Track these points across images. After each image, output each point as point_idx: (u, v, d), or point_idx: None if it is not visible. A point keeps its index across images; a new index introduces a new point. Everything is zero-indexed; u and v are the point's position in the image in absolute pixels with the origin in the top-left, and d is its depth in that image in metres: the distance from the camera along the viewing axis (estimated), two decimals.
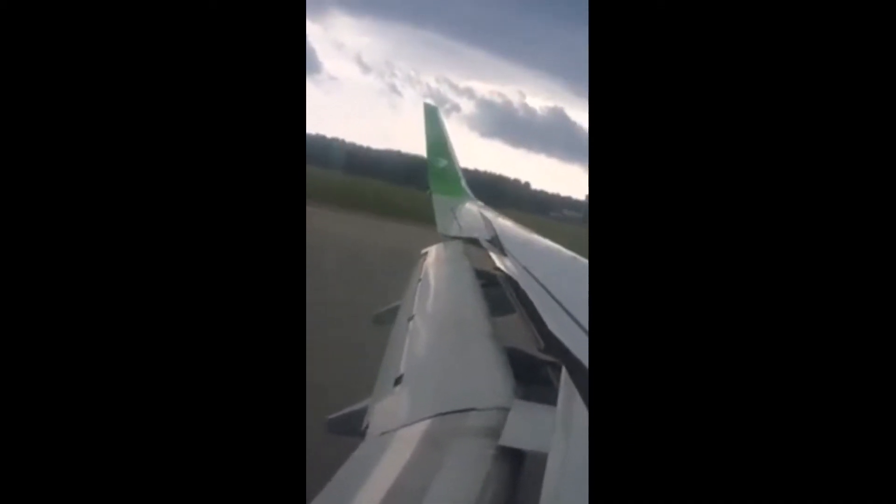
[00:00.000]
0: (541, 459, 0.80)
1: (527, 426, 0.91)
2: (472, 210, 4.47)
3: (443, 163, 5.37)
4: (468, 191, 5.32)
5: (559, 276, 2.23)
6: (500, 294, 2.00)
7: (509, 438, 0.87)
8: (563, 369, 1.09)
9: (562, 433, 0.87)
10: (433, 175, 5.22)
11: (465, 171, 5.71)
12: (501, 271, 2.17)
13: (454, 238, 3.30)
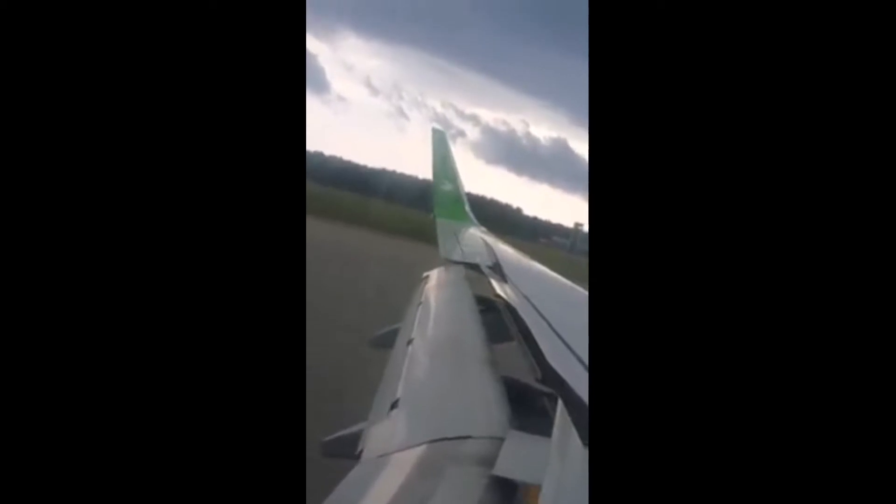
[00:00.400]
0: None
1: (521, 457, 0.91)
2: (475, 235, 4.49)
3: (448, 187, 5.41)
4: (472, 216, 5.35)
5: (559, 306, 2.23)
6: (499, 321, 2.00)
7: (503, 468, 0.87)
8: (560, 401, 1.09)
9: (556, 466, 0.87)
10: (438, 199, 5.25)
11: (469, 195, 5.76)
12: (501, 298, 2.17)
13: (456, 263, 3.31)
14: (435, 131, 5.76)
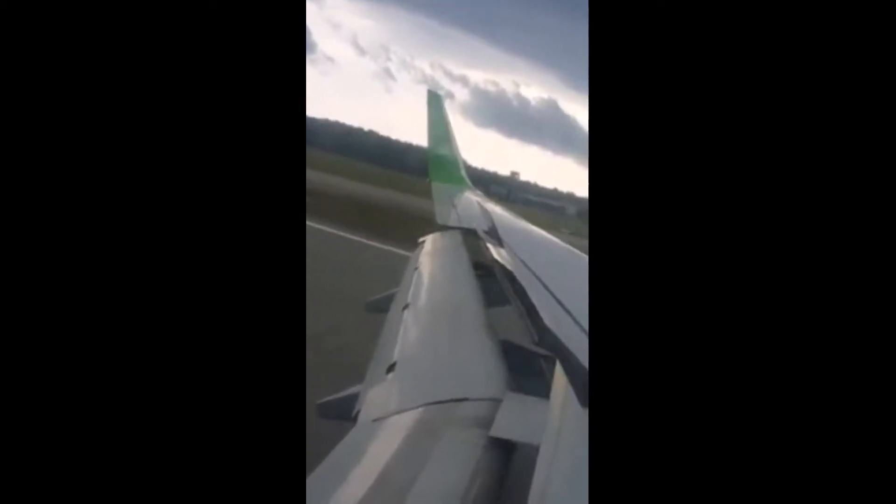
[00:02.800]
0: (532, 451, 0.80)
1: (518, 418, 0.91)
2: (471, 200, 4.46)
3: (443, 150, 5.34)
4: (467, 180, 5.30)
5: (556, 269, 2.22)
6: (496, 285, 2.00)
7: (500, 429, 0.87)
8: (557, 363, 1.09)
9: (553, 426, 0.87)
10: (433, 163, 5.19)
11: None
12: (498, 263, 2.16)
13: (452, 228, 3.29)
14: (430, 93, 5.65)
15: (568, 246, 2.73)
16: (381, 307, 2.01)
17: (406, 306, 1.73)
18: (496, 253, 2.33)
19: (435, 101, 5.60)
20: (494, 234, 2.86)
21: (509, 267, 2.02)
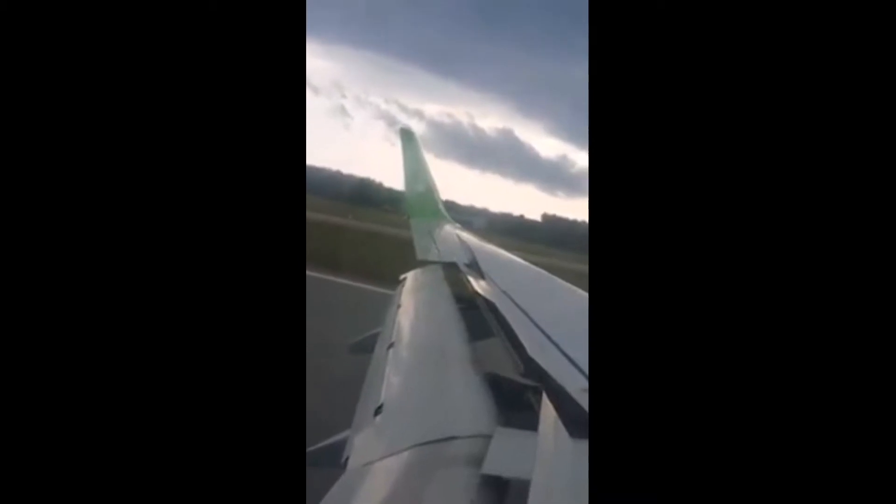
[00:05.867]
0: (525, 486, 0.80)
1: (509, 453, 0.91)
2: (450, 233, 4.48)
3: (420, 186, 5.39)
4: (446, 214, 5.34)
5: (537, 298, 2.24)
6: (479, 318, 2.00)
7: (492, 466, 0.86)
8: (544, 394, 1.09)
9: (543, 459, 0.86)
10: (411, 199, 5.23)
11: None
12: (480, 295, 2.17)
13: (433, 262, 3.30)
14: (403, 131, 5.73)
15: (549, 274, 2.75)
16: (365, 347, 2.00)
17: (390, 345, 1.73)
18: (477, 285, 2.34)
19: (409, 139, 5.67)
20: (475, 267, 2.87)
21: (491, 299, 2.03)
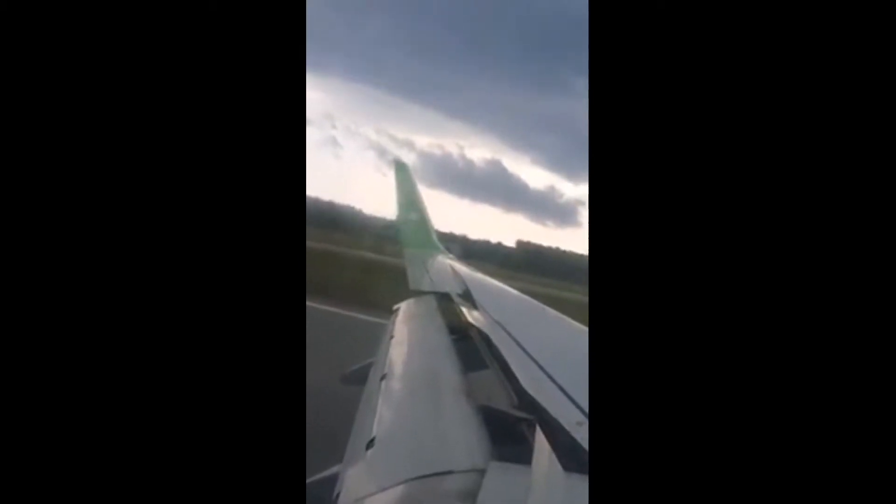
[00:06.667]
0: None
1: (503, 488, 0.90)
2: (443, 263, 4.49)
3: (414, 217, 5.42)
4: (439, 244, 5.36)
5: (530, 329, 2.23)
6: (472, 349, 1.99)
7: (486, 501, 0.85)
8: (538, 426, 1.08)
9: (538, 493, 0.86)
10: (404, 230, 5.25)
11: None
12: (473, 326, 2.17)
13: (426, 293, 3.30)
14: (397, 163, 5.80)
15: (541, 304, 2.75)
16: (358, 378, 1.98)
17: (383, 377, 1.71)
18: (470, 316, 2.33)
19: (402, 170, 5.74)
20: (468, 297, 2.87)
21: (485, 330, 2.03)
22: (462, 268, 4.16)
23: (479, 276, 3.90)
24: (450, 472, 0.98)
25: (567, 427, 1.07)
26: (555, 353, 1.71)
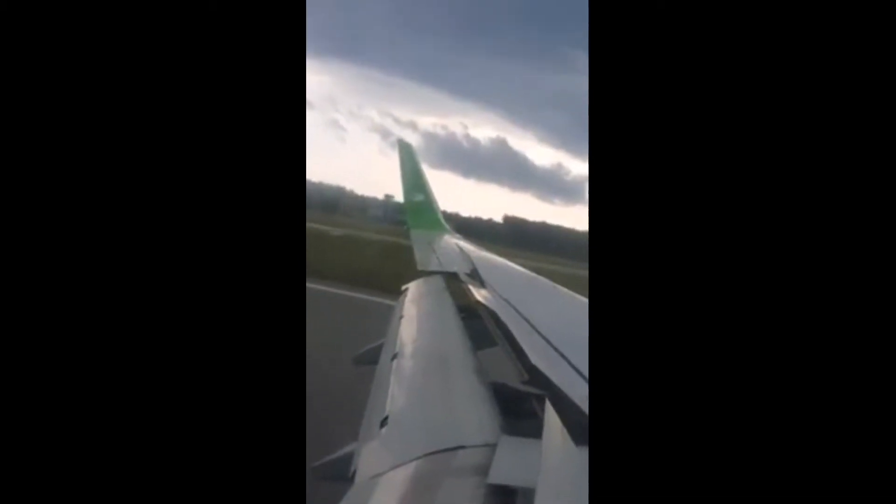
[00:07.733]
0: (531, 494, 0.81)
1: (514, 462, 0.91)
2: (450, 243, 4.50)
3: (419, 197, 5.42)
4: (445, 224, 5.36)
5: (539, 306, 2.25)
6: (481, 327, 2.01)
7: (498, 476, 0.87)
8: (547, 401, 1.10)
9: (548, 467, 0.87)
10: (410, 210, 5.26)
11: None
12: (482, 304, 2.18)
13: (434, 273, 3.31)
14: (401, 143, 5.78)
15: (549, 281, 2.76)
16: (370, 359, 2.00)
17: (394, 356, 1.73)
18: (479, 294, 2.35)
19: (406, 151, 5.71)
20: (476, 276, 2.88)
21: (493, 307, 2.04)
22: (469, 247, 4.17)
23: (486, 254, 3.90)
24: (462, 448, 1.00)
25: (576, 401, 1.08)
26: (563, 329, 1.72)
